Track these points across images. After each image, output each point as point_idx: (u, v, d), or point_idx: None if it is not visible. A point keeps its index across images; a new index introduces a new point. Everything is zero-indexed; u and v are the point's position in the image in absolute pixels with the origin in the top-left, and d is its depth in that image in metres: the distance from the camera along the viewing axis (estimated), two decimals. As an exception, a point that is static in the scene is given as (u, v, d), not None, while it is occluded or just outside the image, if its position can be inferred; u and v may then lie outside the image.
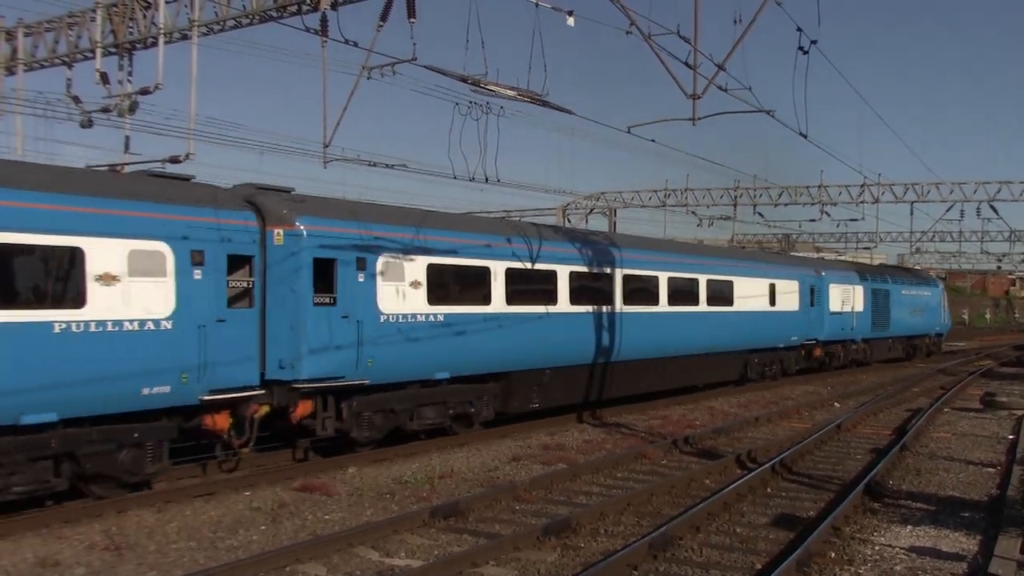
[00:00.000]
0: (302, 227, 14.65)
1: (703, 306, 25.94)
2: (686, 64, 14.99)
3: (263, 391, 14.19)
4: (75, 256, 11.68)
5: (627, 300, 22.34)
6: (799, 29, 15.96)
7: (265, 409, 14.37)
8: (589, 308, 21.02)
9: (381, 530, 10.97)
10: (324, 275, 14.95)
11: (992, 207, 41.05)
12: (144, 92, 19.06)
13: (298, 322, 14.49)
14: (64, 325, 11.47)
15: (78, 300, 11.67)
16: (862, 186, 41.08)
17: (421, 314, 16.59)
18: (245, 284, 14.04)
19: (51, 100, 20.86)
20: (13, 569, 9.76)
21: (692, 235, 54.65)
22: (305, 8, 17.18)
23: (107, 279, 12.01)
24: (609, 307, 21.71)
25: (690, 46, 14.78)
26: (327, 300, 14.99)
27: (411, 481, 14.19)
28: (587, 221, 48.48)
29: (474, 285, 17.95)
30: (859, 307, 37.06)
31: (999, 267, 73.06)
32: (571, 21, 14.85)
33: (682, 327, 24.71)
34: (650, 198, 46.52)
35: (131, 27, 19.72)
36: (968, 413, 23.61)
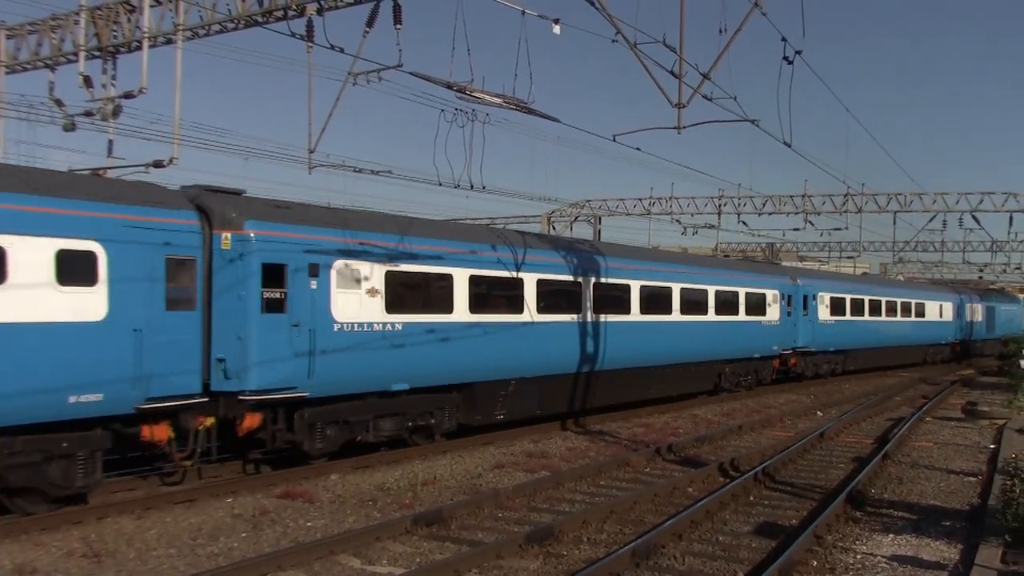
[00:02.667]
0: (800, 282, 33.32)
1: (912, 316, 44.96)
2: (671, 73, 15.05)
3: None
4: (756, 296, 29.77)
5: (887, 314, 41.89)
6: (784, 39, 16.04)
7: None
8: (869, 318, 39.78)
9: (363, 537, 10.92)
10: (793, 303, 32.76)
11: (974, 217, 41.31)
12: (128, 96, 18.95)
13: (797, 320, 32.52)
14: (761, 321, 29.19)
15: (764, 311, 29.50)
16: (845, 196, 41.27)
17: (830, 320, 35.32)
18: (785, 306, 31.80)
19: (34, 103, 20.74)
20: (-10, 576, 9.66)
21: (676, 243, 54.80)
22: (291, 14, 17.15)
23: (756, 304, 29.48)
24: (878, 317, 41.01)
25: (675, 55, 14.84)
26: (804, 313, 33.52)
27: (394, 488, 14.14)
28: (572, 229, 48.49)
29: (844, 307, 36.74)
30: (979, 318, 56.89)
31: (981, 277, 73.48)
32: (557, 29, 14.87)
33: (901, 330, 44.04)
34: (635, 206, 46.60)
35: (115, 30, 19.61)
36: (950, 422, 23.73)
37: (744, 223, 44.32)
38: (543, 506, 13.21)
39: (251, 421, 14.14)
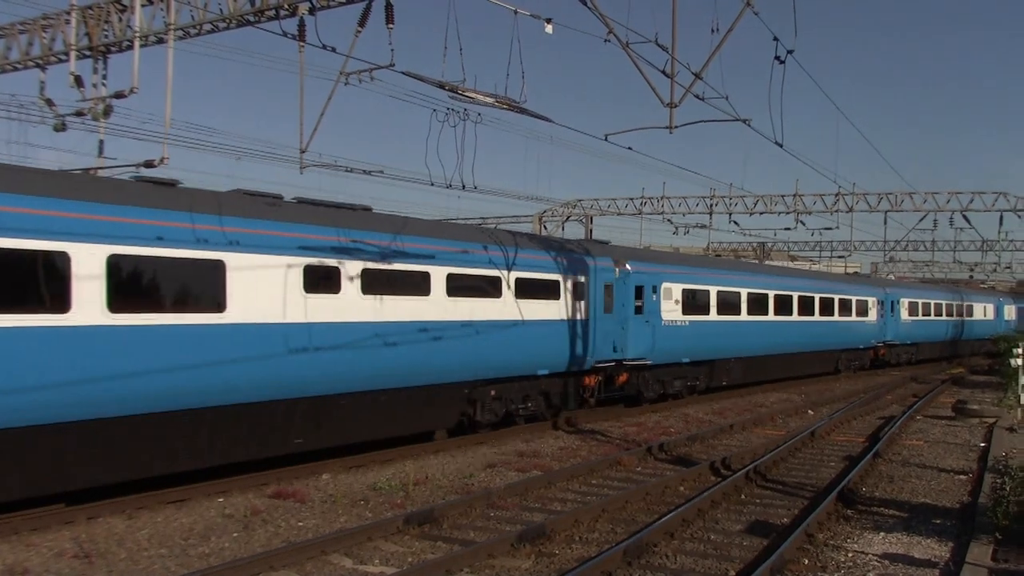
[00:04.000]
0: (888, 290, 43.21)
1: (965, 316, 55.27)
2: (663, 72, 15.07)
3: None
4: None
5: (946, 314, 51.56)
6: (775, 39, 16.08)
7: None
8: (935, 318, 48.97)
9: (355, 537, 10.92)
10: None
11: (965, 217, 41.45)
12: (119, 96, 18.85)
13: (886, 320, 42.67)
14: (865, 321, 40.85)
15: (867, 313, 40.61)
16: (837, 195, 41.38)
17: (909, 320, 45.37)
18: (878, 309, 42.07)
19: (24, 103, 20.64)
20: (-20, 577, 9.63)
21: (668, 243, 54.82)
22: (283, 13, 17.08)
23: (862, 311, 40.14)
24: (941, 317, 49.92)
25: (668, 54, 14.87)
26: (892, 315, 43.65)
27: (385, 488, 14.14)
28: (563, 229, 48.54)
29: (918, 309, 46.43)
30: (1014, 317, 67.36)
31: (971, 276, 73.79)
32: (549, 29, 14.87)
33: (958, 327, 53.92)
34: (626, 206, 46.64)
35: (106, 30, 19.53)
36: (940, 421, 23.82)
37: (735, 223, 44.41)
38: (535, 505, 13.22)
39: (623, 378, 23.76)
